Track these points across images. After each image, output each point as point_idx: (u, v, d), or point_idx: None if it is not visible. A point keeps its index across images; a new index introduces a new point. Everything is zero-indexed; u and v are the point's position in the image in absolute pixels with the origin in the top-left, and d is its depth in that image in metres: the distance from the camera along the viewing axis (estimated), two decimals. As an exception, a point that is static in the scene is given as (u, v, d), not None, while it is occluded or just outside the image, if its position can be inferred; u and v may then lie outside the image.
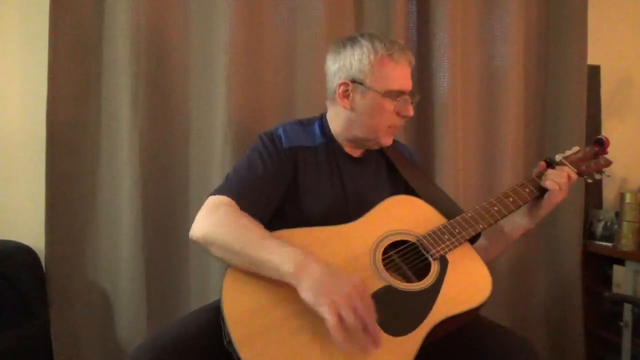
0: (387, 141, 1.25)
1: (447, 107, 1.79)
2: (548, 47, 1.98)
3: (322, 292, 0.89)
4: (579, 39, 1.93)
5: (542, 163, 1.25)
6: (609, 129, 2.12)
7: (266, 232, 1.03)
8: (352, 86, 1.19)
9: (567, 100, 1.95)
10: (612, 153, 1.34)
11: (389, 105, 1.18)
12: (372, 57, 1.16)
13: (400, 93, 1.19)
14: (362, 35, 1.20)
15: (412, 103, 1.22)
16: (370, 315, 0.89)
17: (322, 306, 0.88)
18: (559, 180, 1.18)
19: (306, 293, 0.91)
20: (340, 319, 0.87)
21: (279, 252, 0.97)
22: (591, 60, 1.98)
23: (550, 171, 1.21)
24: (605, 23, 2.09)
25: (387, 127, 1.22)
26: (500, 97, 1.89)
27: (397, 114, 1.21)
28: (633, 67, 2.17)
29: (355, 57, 1.18)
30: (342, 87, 1.20)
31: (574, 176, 1.22)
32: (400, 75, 1.19)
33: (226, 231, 1.02)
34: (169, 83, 1.65)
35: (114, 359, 1.62)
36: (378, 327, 0.89)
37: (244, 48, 1.64)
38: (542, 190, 1.20)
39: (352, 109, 1.21)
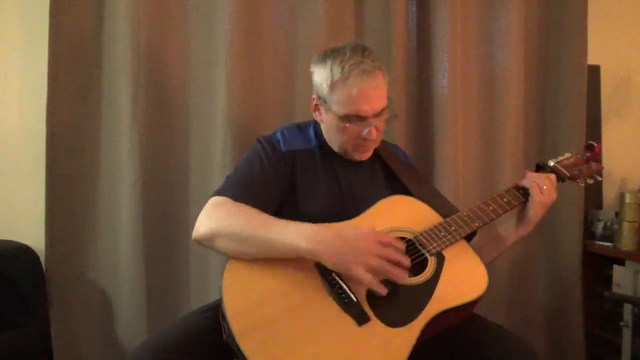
0: (358, 156, 1.26)
1: (447, 107, 1.79)
2: (548, 47, 1.98)
3: (346, 257, 0.96)
4: (579, 39, 1.93)
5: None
6: (609, 129, 2.12)
7: (271, 216, 1.06)
8: (320, 102, 1.23)
9: (567, 100, 1.95)
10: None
11: (347, 127, 1.18)
12: (329, 80, 1.17)
13: (357, 117, 1.17)
14: (331, 54, 1.19)
15: (377, 124, 1.19)
16: (397, 251, 0.98)
17: (352, 271, 0.96)
18: (537, 180, 1.21)
19: (331, 263, 0.98)
20: (374, 272, 0.95)
21: (288, 230, 1.01)
22: (591, 60, 1.98)
23: (529, 173, 1.26)
24: (605, 23, 2.09)
25: (352, 145, 1.23)
26: (500, 97, 1.89)
27: (356, 136, 1.20)
28: (633, 67, 2.17)
29: (320, 76, 1.20)
30: (314, 100, 1.25)
31: (552, 177, 1.26)
32: (356, 101, 1.15)
33: (233, 221, 1.05)
34: (169, 83, 1.65)
35: (114, 359, 1.62)
36: (405, 256, 0.99)
37: (244, 48, 1.64)
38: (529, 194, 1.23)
39: (321, 121, 1.26)
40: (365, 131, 1.18)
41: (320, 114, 1.25)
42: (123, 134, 1.59)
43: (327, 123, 1.24)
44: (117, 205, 1.61)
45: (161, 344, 0.98)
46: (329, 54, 1.20)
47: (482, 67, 1.91)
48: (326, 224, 1.03)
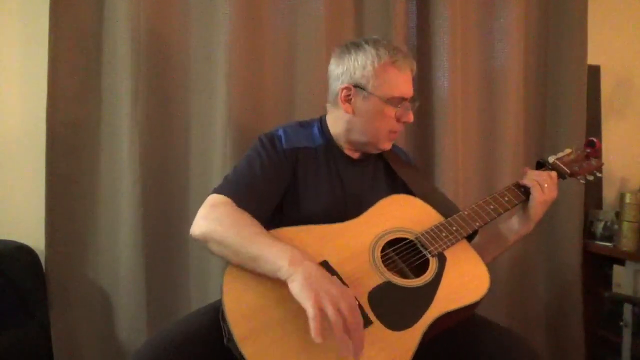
0: (386, 146, 1.27)
1: (447, 107, 1.79)
2: (548, 47, 1.98)
3: (310, 286, 0.89)
4: (579, 39, 1.93)
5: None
6: (609, 129, 2.12)
7: (263, 229, 1.04)
8: (354, 91, 1.20)
9: (567, 100, 1.95)
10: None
11: (390, 111, 1.20)
12: (375, 63, 1.18)
13: (402, 100, 1.21)
14: (367, 41, 1.21)
15: (412, 109, 1.24)
16: (356, 320, 0.87)
17: (305, 297, 0.88)
18: (538, 178, 1.21)
19: (294, 285, 0.91)
20: (322, 312, 0.86)
21: (274, 247, 0.98)
22: (591, 60, 1.98)
23: (530, 171, 1.25)
24: (605, 23, 2.09)
25: (388, 132, 1.24)
26: (500, 96, 1.89)
27: (397, 120, 1.22)
28: (633, 67, 2.17)
29: (359, 62, 1.19)
30: (344, 92, 1.22)
31: (554, 174, 1.24)
32: (402, 83, 1.21)
33: (224, 228, 1.03)
34: (169, 83, 1.65)
35: (114, 359, 1.62)
36: (363, 335, 0.87)
37: (244, 48, 1.64)
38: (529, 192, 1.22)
39: (353, 113, 1.22)
40: (411, 112, 1.22)
41: (353, 105, 1.21)
42: (123, 133, 1.59)
43: (363, 112, 1.20)
44: (117, 205, 1.61)
45: (161, 345, 0.98)
46: (365, 41, 1.21)
47: (482, 67, 1.91)
48: (311, 256, 0.98)
